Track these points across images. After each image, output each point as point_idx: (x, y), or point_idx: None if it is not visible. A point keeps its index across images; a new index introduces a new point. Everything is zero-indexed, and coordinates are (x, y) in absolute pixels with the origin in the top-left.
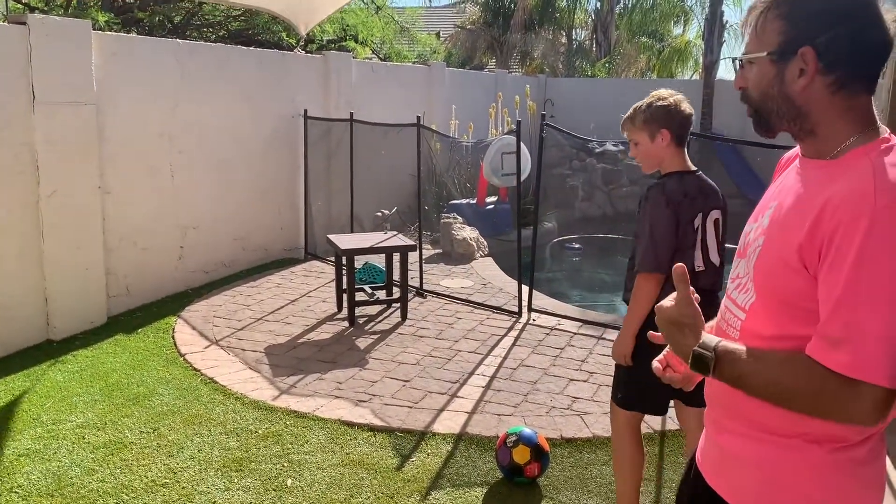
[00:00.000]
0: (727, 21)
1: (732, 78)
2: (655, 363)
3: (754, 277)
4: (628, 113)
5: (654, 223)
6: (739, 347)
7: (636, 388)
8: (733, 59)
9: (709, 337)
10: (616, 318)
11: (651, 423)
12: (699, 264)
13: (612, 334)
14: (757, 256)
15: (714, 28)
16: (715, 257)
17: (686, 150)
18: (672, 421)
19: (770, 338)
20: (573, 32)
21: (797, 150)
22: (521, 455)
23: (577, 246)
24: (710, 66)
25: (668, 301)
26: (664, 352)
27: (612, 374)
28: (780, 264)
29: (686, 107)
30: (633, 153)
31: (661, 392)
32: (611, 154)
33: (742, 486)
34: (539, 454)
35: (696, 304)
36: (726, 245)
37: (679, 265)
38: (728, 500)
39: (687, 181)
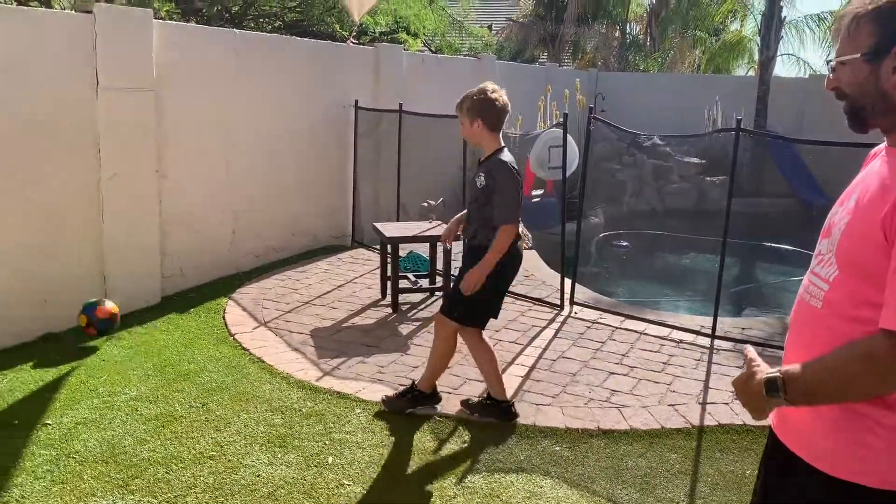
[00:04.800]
0: (785, 17)
1: (789, 76)
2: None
3: (837, 253)
4: (460, 99)
5: (511, 187)
6: (796, 365)
7: (472, 309)
8: (827, 62)
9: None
10: (658, 314)
11: (689, 417)
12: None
13: (655, 330)
14: (841, 233)
15: (771, 24)
16: None
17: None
18: (710, 416)
19: (852, 305)
20: (627, 26)
21: (884, 144)
22: (81, 321)
23: (624, 244)
24: (766, 63)
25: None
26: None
27: (461, 301)
28: (861, 238)
29: (501, 101)
30: (461, 132)
31: (488, 313)
32: (662, 149)
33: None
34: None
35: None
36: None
37: (748, 349)
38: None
39: (509, 153)
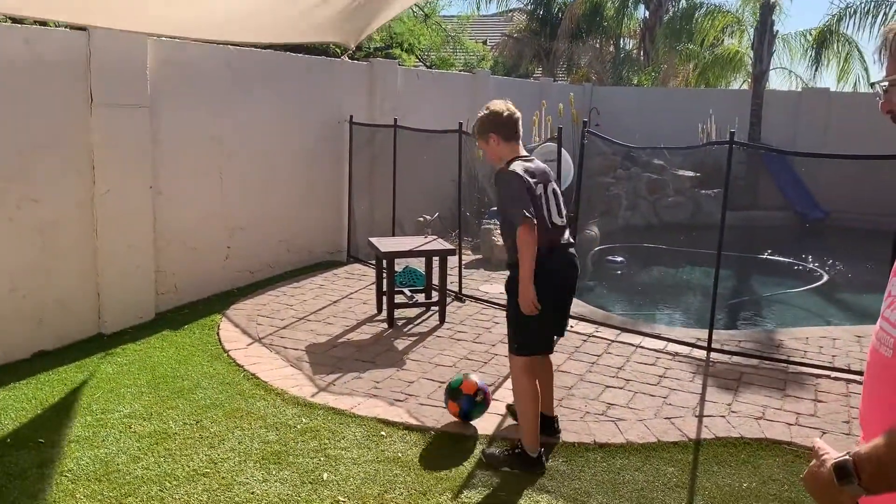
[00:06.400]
0: (777, 31)
1: (783, 88)
2: None
3: None
4: (473, 128)
5: (514, 190)
6: (870, 442)
7: (532, 335)
8: (872, 84)
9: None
10: (654, 327)
11: (686, 430)
12: (554, 221)
13: (651, 343)
14: None
15: (764, 38)
16: (557, 218)
17: (519, 141)
18: (707, 429)
19: None
20: (621, 41)
21: None
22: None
23: (619, 259)
24: (759, 77)
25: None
26: None
27: (514, 333)
28: None
29: (507, 109)
30: (485, 157)
31: (549, 333)
32: (656, 163)
33: None
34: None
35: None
36: None
37: (816, 441)
38: None
39: (525, 162)
